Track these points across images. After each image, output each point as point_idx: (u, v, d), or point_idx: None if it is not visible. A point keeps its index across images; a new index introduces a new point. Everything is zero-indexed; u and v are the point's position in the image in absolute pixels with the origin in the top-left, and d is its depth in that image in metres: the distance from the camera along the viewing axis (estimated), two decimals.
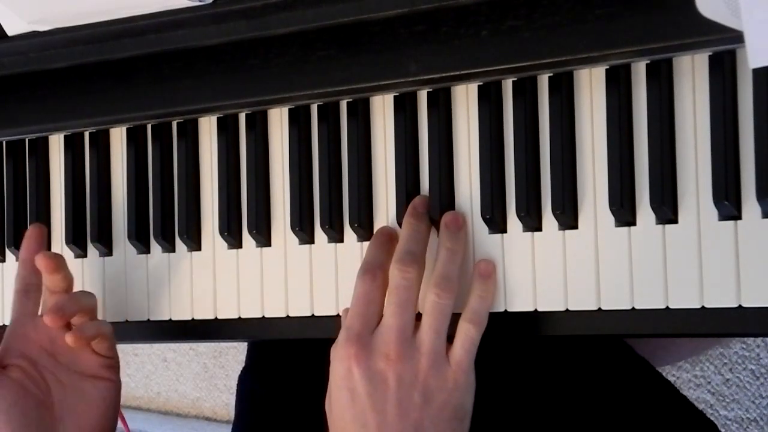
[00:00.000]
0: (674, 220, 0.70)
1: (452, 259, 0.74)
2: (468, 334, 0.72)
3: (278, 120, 0.83)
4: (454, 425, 0.72)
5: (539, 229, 0.74)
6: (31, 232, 0.87)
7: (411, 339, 0.72)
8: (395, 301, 0.73)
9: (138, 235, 0.88)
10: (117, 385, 0.85)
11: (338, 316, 0.79)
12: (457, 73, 0.73)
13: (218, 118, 0.85)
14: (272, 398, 0.94)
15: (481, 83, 0.75)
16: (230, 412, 0.98)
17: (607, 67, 0.71)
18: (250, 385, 0.97)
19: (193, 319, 0.86)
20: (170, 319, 0.87)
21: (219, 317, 0.85)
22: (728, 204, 0.67)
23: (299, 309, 0.82)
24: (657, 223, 0.70)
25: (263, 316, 0.83)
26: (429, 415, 0.71)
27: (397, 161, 0.78)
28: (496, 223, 0.74)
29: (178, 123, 0.87)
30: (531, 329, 0.74)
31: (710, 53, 0.68)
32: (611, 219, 0.71)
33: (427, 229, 0.76)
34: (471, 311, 0.73)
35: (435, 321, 0.72)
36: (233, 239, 0.84)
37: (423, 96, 0.78)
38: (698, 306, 0.68)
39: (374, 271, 0.74)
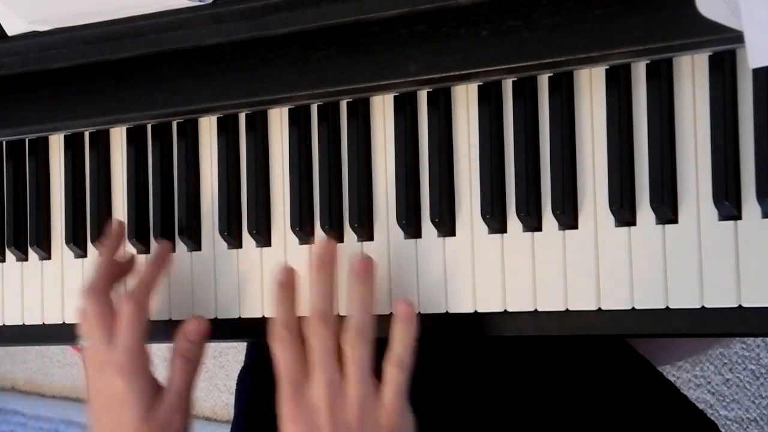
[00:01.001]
0: (674, 220, 0.70)
1: (364, 308, 0.75)
2: (395, 379, 0.74)
3: (278, 120, 0.83)
4: None
5: (539, 229, 0.74)
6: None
7: (339, 388, 0.74)
8: (317, 359, 0.74)
9: (138, 235, 0.88)
10: None
11: (338, 315, 0.79)
12: (457, 73, 0.73)
13: (218, 118, 0.85)
14: (271, 398, 0.94)
15: (481, 83, 0.75)
16: (230, 412, 0.98)
17: (607, 67, 0.71)
18: (250, 385, 0.97)
19: None
20: (170, 319, 0.87)
21: (219, 317, 0.85)
22: (728, 204, 0.67)
23: (299, 309, 0.82)
24: (657, 223, 0.70)
25: (263, 316, 0.83)
26: None
27: (397, 161, 0.78)
28: (496, 223, 0.74)
29: (178, 123, 0.87)
30: (531, 329, 0.74)
31: (710, 53, 0.68)
32: (611, 219, 0.71)
33: (331, 276, 0.77)
34: (395, 356, 0.74)
35: (356, 372, 0.73)
36: (233, 239, 0.84)
37: (423, 96, 0.78)
38: (698, 306, 0.68)
39: (281, 337, 0.76)
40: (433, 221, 0.76)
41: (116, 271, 0.86)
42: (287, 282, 0.78)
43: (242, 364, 0.99)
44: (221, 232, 0.84)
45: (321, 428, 0.73)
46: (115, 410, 0.81)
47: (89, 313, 0.83)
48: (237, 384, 0.99)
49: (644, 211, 0.70)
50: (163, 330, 0.87)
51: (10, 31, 0.82)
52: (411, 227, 0.77)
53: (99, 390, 0.82)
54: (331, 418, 0.73)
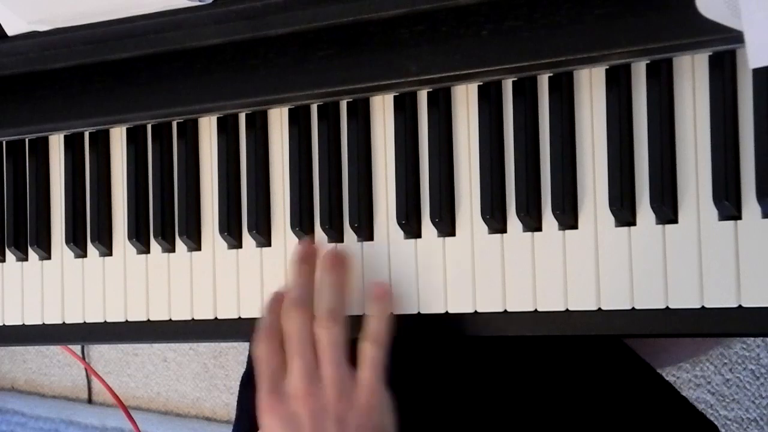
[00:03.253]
0: (674, 220, 0.70)
1: (334, 291, 0.76)
2: (371, 355, 0.74)
3: (278, 120, 0.83)
4: None
5: (539, 229, 0.74)
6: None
7: (316, 374, 0.74)
8: (292, 347, 0.75)
9: (138, 235, 0.88)
10: None
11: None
12: (457, 73, 0.73)
13: (218, 118, 0.85)
14: None
15: (481, 83, 0.75)
16: (230, 412, 0.98)
17: (607, 67, 0.71)
18: (249, 394, 0.97)
19: (193, 319, 0.86)
20: (170, 319, 0.87)
21: (219, 317, 0.85)
22: (728, 204, 0.67)
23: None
24: (657, 223, 0.70)
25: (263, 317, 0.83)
26: None
27: (397, 161, 0.78)
28: (496, 223, 0.74)
29: (178, 123, 0.87)
30: (531, 329, 0.74)
31: (710, 53, 0.68)
32: (611, 219, 0.71)
33: (312, 272, 0.78)
34: (370, 332, 0.75)
35: (330, 352, 0.74)
36: (233, 239, 0.84)
37: (423, 96, 0.78)
38: (698, 306, 0.68)
39: (263, 337, 0.77)
40: (433, 221, 0.76)
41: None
42: (277, 296, 0.78)
43: (242, 364, 0.99)
44: (221, 232, 0.84)
45: (299, 416, 0.73)
46: None
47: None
48: (240, 387, 0.98)
49: (644, 211, 0.70)
50: (162, 330, 0.88)
51: (10, 31, 0.82)
52: (411, 227, 0.77)
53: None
54: (308, 404, 0.73)
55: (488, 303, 0.75)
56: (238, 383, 0.99)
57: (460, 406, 0.86)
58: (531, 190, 0.73)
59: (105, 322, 0.89)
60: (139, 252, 0.88)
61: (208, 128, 0.86)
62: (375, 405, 0.74)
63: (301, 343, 0.75)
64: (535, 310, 0.73)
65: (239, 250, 0.84)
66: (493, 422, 0.82)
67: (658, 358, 0.97)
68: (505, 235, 0.75)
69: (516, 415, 0.84)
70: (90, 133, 0.91)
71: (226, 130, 0.85)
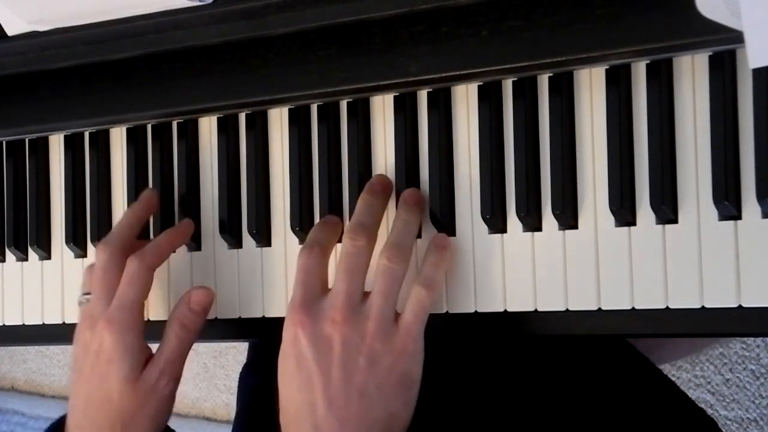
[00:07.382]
0: (674, 220, 0.70)
1: (406, 228, 0.74)
2: (419, 298, 0.71)
3: (278, 120, 0.83)
4: (401, 392, 0.71)
5: (539, 229, 0.74)
6: None
7: (359, 304, 0.71)
8: (344, 267, 0.72)
9: (138, 234, 0.88)
10: None
11: None
12: (457, 73, 0.73)
13: (218, 118, 0.85)
14: (273, 393, 0.94)
15: (481, 83, 0.75)
16: (230, 412, 0.98)
17: (607, 67, 0.71)
18: (251, 381, 0.97)
19: None
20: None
21: (218, 317, 0.85)
22: (728, 204, 0.67)
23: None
24: (657, 223, 0.70)
25: (263, 316, 0.83)
26: (374, 379, 0.70)
27: (397, 161, 0.78)
28: (496, 223, 0.74)
29: (178, 123, 0.87)
30: (531, 329, 0.74)
31: (710, 53, 0.68)
32: (611, 219, 0.71)
33: (382, 204, 0.76)
34: (424, 276, 0.72)
35: (384, 284, 0.71)
36: (233, 239, 0.84)
37: (423, 96, 0.78)
38: (698, 306, 0.68)
39: (311, 246, 0.74)
40: (432, 221, 0.76)
41: (134, 234, 0.84)
42: (334, 218, 0.78)
43: (242, 364, 0.99)
44: (221, 232, 0.84)
45: (331, 340, 0.70)
46: (100, 368, 0.78)
47: (96, 266, 0.81)
48: (239, 382, 0.99)
49: (644, 211, 0.70)
50: (161, 329, 0.87)
51: (10, 31, 0.82)
52: None
53: (86, 345, 0.79)
54: (344, 331, 0.70)
55: (488, 303, 0.75)
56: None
57: (460, 405, 0.86)
58: (531, 190, 0.73)
59: None
60: None
61: (208, 128, 0.86)
62: (409, 351, 0.70)
63: (354, 268, 0.72)
64: (536, 310, 0.73)
65: (239, 250, 0.84)
66: (493, 421, 0.82)
67: (655, 355, 0.97)
68: (505, 234, 0.75)
69: (516, 413, 0.84)
70: (90, 133, 0.91)
71: (226, 130, 0.85)
